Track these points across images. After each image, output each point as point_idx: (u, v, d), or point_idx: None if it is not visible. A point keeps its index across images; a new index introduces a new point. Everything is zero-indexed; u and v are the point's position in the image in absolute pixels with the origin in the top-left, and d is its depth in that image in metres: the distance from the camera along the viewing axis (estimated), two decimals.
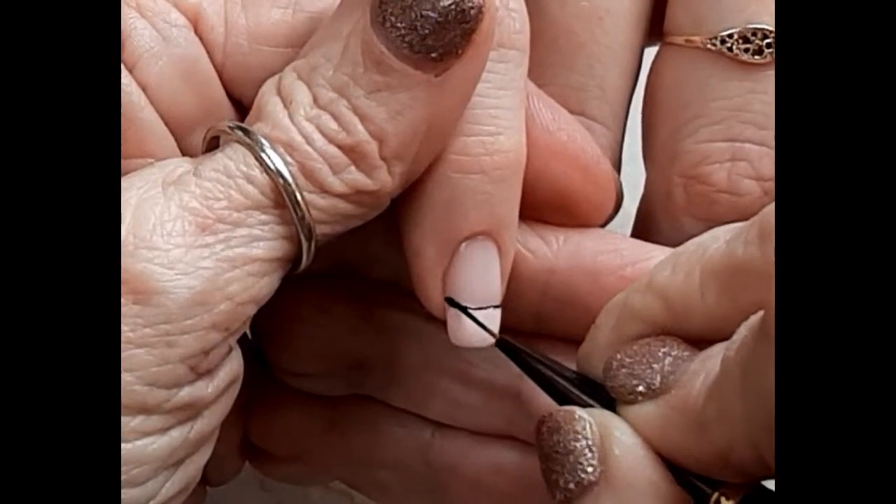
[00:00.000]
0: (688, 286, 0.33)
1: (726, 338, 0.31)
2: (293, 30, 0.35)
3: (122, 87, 0.34)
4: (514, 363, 0.35)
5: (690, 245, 0.33)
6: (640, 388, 0.32)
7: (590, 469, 0.32)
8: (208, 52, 0.35)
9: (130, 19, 0.34)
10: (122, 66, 0.34)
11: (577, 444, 0.32)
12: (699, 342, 0.33)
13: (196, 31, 0.35)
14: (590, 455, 0.32)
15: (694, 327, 0.33)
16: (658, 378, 0.32)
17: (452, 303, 0.35)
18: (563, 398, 0.34)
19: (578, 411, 0.33)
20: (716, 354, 0.31)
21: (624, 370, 0.33)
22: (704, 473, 0.31)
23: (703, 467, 0.31)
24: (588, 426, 0.32)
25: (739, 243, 0.32)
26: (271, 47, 0.35)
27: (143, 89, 0.34)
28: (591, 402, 0.34)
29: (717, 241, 0.33)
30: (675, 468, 0.32)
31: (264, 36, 0.35)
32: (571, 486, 0.32)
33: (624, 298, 0.34)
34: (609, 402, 0.33)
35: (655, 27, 0.41)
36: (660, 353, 0.33)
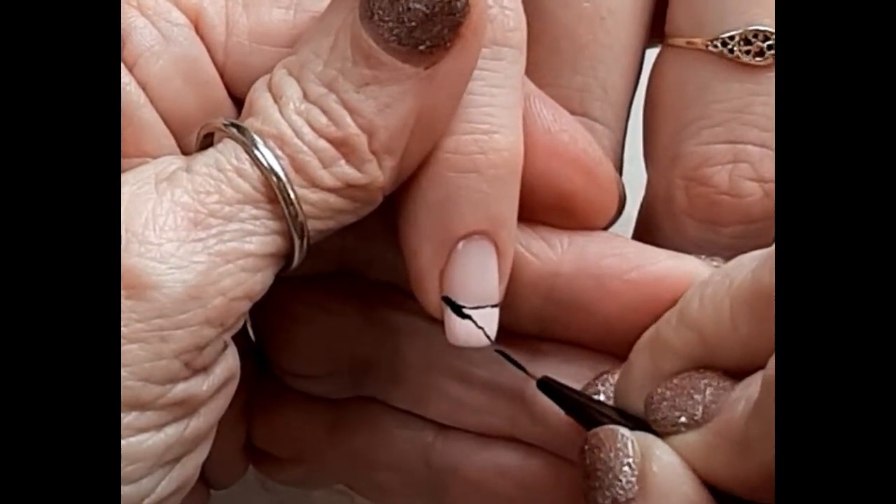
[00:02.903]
0: (719, 318, 0.33)
1: (762, 367, 0.31)
2: (294, 29, 0.35)
3: (123, 85, 0.34)
4: (555, 402, 0.35)
5: (716, 276, 0.33)
6: (683, 420, 0.33)
7: (627, 486, 0.32)
8: (209, 52, 0.35)
9: (131, 18, 0.35)
10: (123, 65, 0.34)
11: (618, 462, 0.33)
12: (736, 374, 0.33)
13: (197, 31, 0.35)
14: (629, 472, 0.32)
15: (730, 359, 0.33)
16: (700, 409, 0.32)
17: (449, 302, 0.35)
18: None
19: (622, 430, 0.33)
20: (755, 381, 0.31)
21: (665, 403, 0.33)
22: (750, 497, 0.31)
23: (749, 489, 0.31)
24: (630, 444, 0.33)
25: (766, 270, 0.32)
26: (272, 47, 0.35)
27: (143, 88, 0.35)
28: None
29: (742, 269, 0.33)
30: (719, 494, 0.32)
31: (265, 35, 0.35)
32: (609, 502, 0.32)
33: (654, 335, 0.35)
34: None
35: (657, 29, 0.41)
36: (701, 385, 0.33)
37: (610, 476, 0.32)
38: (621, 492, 0.32)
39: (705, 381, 0.33)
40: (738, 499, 0.32)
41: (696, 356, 0.33)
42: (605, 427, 0.34)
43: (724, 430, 0.32)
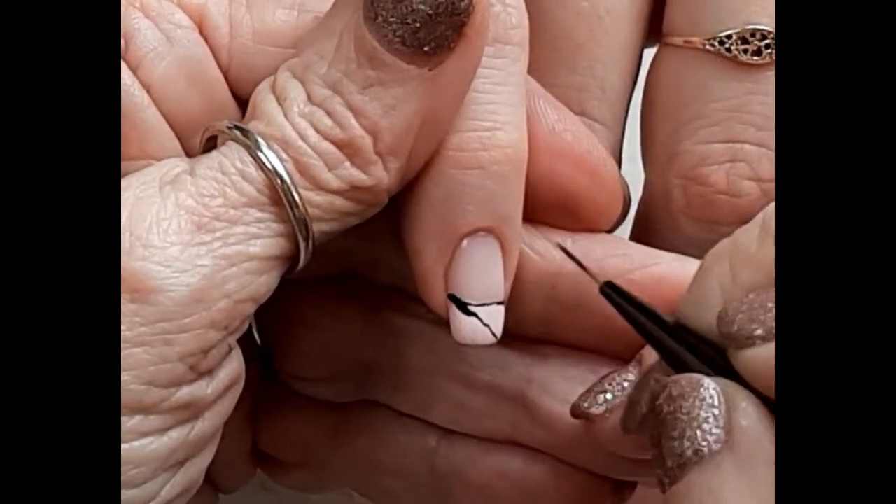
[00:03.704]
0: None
1: None
2: (298, 30, 0.35)
3: (126, 87, 0.34)
4: (618, 311, 0.34)
5: None
6: (760, 332, 0.31)
7: (711, 437, 0.31)
8: (213, 53, 0.35)
9: (134, 19, 0.34)
10: (126, 67, 0.34)
11: (702, 412, 0.31)
12: None
13: (201, 32, 0.35)
14: (714, 423, 0.31)
15: None
16: None
17: (455, 300, 0.35)
18: (667, 354, 0.33)
19: (706, 380, 0.32)
20: None
21: (741, 315, 0.31)
22: None
23: None
24: (716, 395, 0.31)
25: None
26: (276, 48, 0.35)
27: (147, 90, 0.34)
28: (697, 360, 0.33)
29: None
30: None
31: (269, 37, 0.35)
32: (689, 453, 0.31)
33: (733, 244, 0.33)
34: (712, 357, 0.32)
35: (654, 28, 0.41)
36: None
37: (694, 425, 0.31)
38: (704, 443, 0.31)
39: None
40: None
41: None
42: (687, 375, 0.32)
43: None
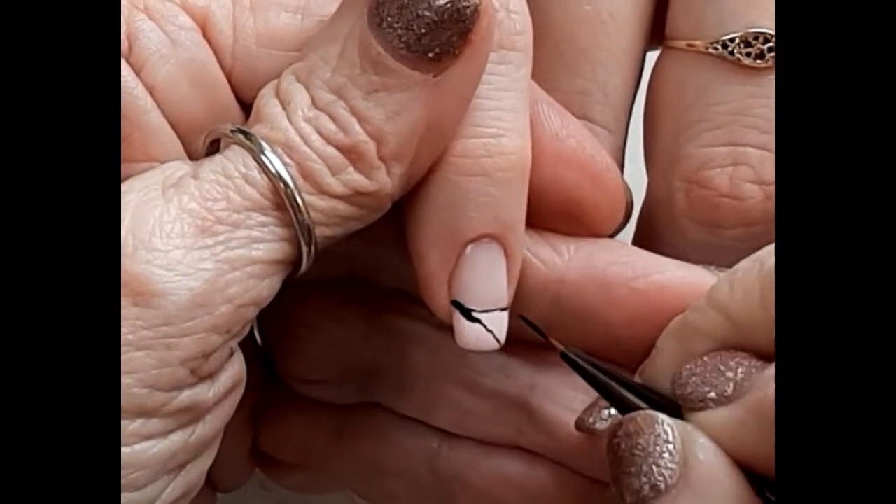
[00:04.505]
0: (749, 301, 0.32)
1: None
2: (302, 33, 0.35)
3: (129, 90, 0.34)
4: (578, 374, 0.35)
5: (745, 262, 0.33)
6: (712, 395, 0.32)
7: (667, 472, 0.32)
8: (217, 56, 0.35)
9: (138, 21, 0.34)
10: (130, 69, 0.34)
11: (658, 448, 0.32)
12: (766, 356, 0.32)
13: (204, 35, 0.35)
14: (669, 459, 0.32)
15: (761, 340, 0.32)
16: (731, 385, 0.32)
17: (458, 306, 0.35)
18: (628, 409, 0.34)
19: (661, 416, 0.33)
20: None
21: (695, 378, 0.33)
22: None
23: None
24: (671, 430, 0.32)
25: None
26: (280, 51, 0.35)
27: (150, 92, 0.34)
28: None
29: (773, 254, 0.32)
30: (751, 476, 0.32)
31: (273, 40, 0.35)
32: (647, 489, 0.32)
33: (683, 320, 0.34)
34: (675, 413, 0.33)
35: (657, 31, 0.41)
36: (732, 363, 0.32)
37: (649, 461, 0.32)
38: (660, 478, 0.31)
39: (737, 359, 0.32)
40: (765, 479, 0.31)
41: (727, 339, 0.33)
42: (642, 412, 0.33)
43: (754, 408, 0.31)
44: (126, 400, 0.31)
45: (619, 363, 0.36)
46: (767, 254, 0.33)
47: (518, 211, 0.35)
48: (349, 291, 0.40)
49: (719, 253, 0.39)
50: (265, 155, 0.33)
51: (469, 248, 0.35)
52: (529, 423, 0.38)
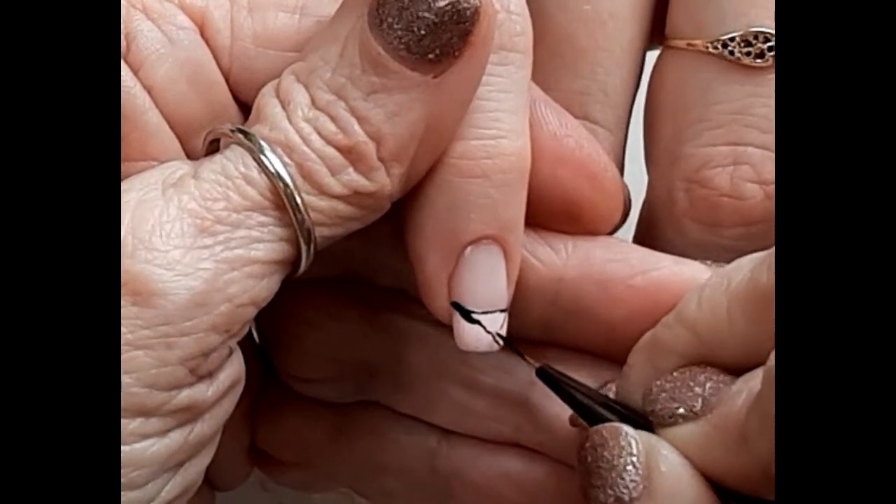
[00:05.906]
0: (716, 318, 0.33)
1: (761, 364, 0.31)
2: (299, 34, 0.35)
3: (127, 89, 0.34)
4: (553, 391, 0.35)
5: (714, 278, 0.34)
6: (681, 411, 0.33)
7: (632, 485, 0.32)
8: (214, 56, 0.35)
9: (136, 21, 0.34)
10: (128, 69, 0.34)
11: (622, 460, 0.32)
12: (735, 372, 0.33)
13: (202, 35, 0.35)
14: (633, 471, 0.32)
15: (728, 356, 0.33)
16: (699, 401, 0.33)
17: (458, 307, 0.35)
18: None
19: (625, 428, 0.33)
20: (756, 375, 0.32)
21: (664, 394, 0.33)
22: (747, 491, 0.31)
23: (746, 484, 0.31)
24: (634, 443, 0.33)
25: (763, 270, 0.32)
26: (277, 51, 0.35)
27: (149, 91, 0.34)
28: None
29: (740, 270, 0.33)
30: (719, 490, 0.32)
31: (270, 40, 0.35)
32: (611, 501, 0.32)
33: (652, 336, 0.35)
34: (648, 428, 0.34)
35: (657, 31, 0.41)
36: (700, 378, 0.33)
37: (613, 474, 0.32)
38: (625, 490, 0.32)
39: (705, 374, 0.33)
40: (736, 495, 0.32)
41: (694, 355, 0.34)
42: (608, 425, 0.33)
43: (722, 423, 0.32)
44: (125, 399, 0.31)
45: (617, 361, 0.37)
46: (735, 269, 0.33)
47: (517, 212, 0.35)
48: (348, 290, 0.40)
49: (720, 252, 0.39)
50: (265, 155, 0.33)
51: (469, 249, 0.35)
52: (528, 420, 0.38)
